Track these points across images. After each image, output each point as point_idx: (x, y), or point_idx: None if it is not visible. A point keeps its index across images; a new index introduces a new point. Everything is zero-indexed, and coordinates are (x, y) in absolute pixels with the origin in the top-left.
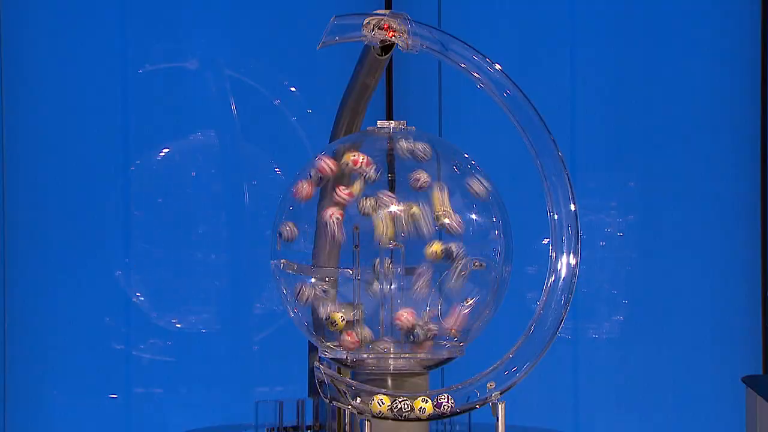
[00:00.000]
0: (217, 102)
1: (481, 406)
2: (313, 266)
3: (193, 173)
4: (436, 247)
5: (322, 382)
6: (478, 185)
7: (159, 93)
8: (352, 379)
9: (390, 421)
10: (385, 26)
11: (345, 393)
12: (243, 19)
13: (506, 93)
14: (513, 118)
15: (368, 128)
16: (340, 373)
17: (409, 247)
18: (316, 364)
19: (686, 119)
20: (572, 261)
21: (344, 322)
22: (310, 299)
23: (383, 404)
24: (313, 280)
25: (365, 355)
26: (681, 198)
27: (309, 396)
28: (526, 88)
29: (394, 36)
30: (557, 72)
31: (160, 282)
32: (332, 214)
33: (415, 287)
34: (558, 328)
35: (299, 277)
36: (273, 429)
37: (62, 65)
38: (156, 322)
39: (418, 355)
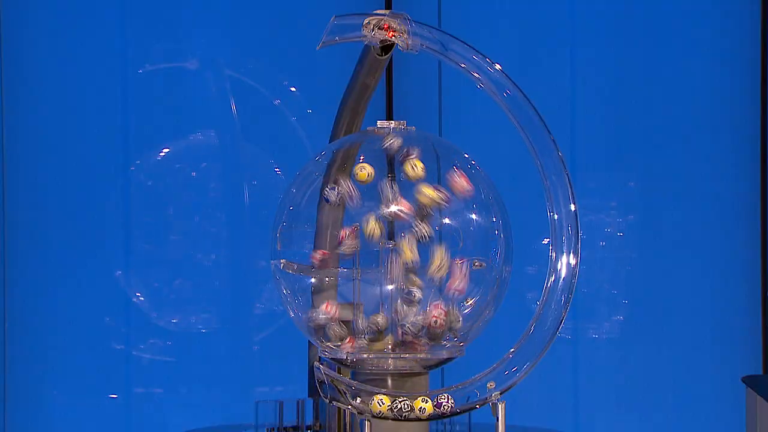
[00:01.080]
0: (217, 102)
1: (481, 406)
2: (313, 266)
3: (193, 173)
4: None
5: (322, 382)
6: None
7: (159, 93)
8: (352, 379)
9: (390, 421)
10: (385, 26)
11: (345, 393)
12: (243, 19)
13: (506, 93)
14: (513, 118)
15: (368, 128)
16: (340, 373)
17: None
18: (316, 364)
19: (686, 119)
20: (572, 261)
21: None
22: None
23: (383, 404)
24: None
25: (365, 355)
26: (681, 198)
27: (309, 396)
28: (526, 88)
29: (394, 36)
30: (557, 72)
31: (160, 282)
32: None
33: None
34: (558, 328)
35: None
36: (273, 429)
37: (62, 65)
38: (156, 322)
39: (418, 355)
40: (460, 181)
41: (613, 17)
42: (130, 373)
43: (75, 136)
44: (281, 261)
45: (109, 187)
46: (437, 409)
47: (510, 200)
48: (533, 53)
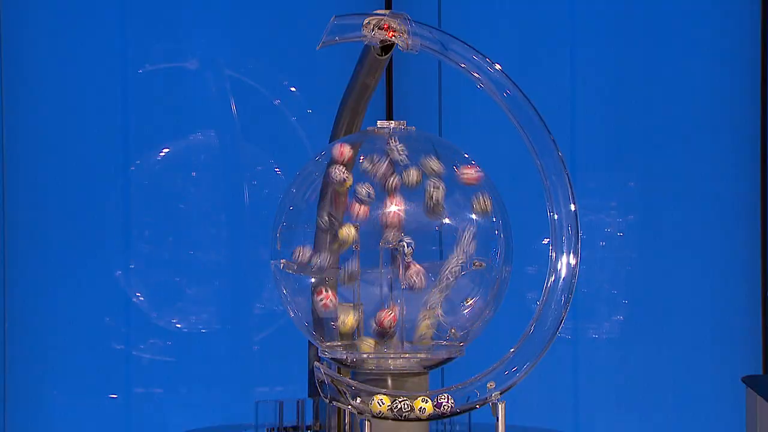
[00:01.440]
0: (217, 102)
1: (481, 406)
2: (314, 266)
3: (193, 173)
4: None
5: (322, 382)
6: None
7: (159, 93)
8: (352, 379)
9: (390, 421)
10: (385, 26)
11: (345, 393)
12: (243, 19)
13: (506, 93)
14: (513, 118)
15: (368, 128)
16: (340, 373)
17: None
18: (316, 364)
19: (686, 119)
20: (572, 261)
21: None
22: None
23: (383, 404)
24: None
25: (365, 355)
26: (681, 198)
27: (309, 396)
28: (526, 88)
29: (394, 36)
30: (557, 72)
31: (160, 282)
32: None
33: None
34: (558, 328)
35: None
36: (273, 429)
37: (62, 65)
38: (156, 322)
39: (418, 355)
40: (469, 172)
41: (613, 17)
42: (130, 373)
43: (75, 136)
44: (281, 261)
45: (109, 187)
46: (437, 409)
47: (510, 200)
48: (533, 53)
